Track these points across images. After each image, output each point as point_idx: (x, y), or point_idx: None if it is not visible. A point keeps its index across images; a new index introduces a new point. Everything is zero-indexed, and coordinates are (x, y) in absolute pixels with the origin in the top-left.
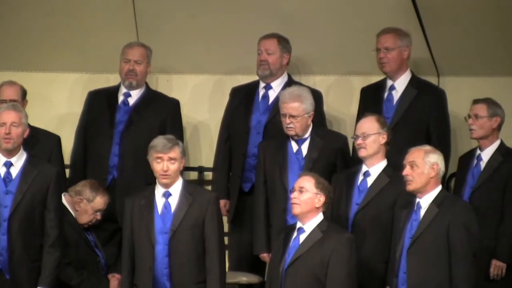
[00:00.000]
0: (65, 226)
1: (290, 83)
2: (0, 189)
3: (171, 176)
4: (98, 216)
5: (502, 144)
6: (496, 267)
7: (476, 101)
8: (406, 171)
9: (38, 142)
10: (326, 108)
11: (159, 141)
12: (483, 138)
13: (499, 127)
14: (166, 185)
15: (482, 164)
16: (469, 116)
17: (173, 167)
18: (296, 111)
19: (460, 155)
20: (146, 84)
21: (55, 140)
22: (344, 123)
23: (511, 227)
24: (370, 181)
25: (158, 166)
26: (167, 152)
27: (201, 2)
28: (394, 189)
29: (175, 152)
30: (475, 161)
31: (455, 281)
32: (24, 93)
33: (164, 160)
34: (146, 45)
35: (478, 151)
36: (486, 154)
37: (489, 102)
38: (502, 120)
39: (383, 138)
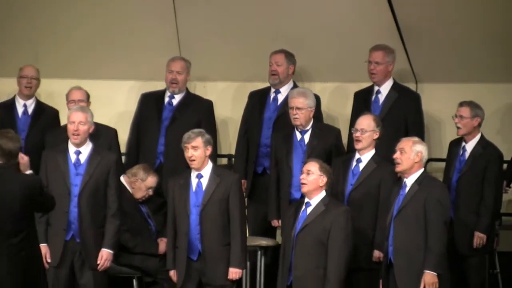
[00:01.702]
0: (123, 201)
1: (295, 87)
2: (71, 171)
3: (196, 161)
4: (150, 192)
5: (482, 138)
6: (478, 237)
7: (461, 104)
8: (396, 155)
9: (101, 135)
10: (323, 108)
11: (186, 134)
12: (467, 134)
13: (479, 125)
14: (198, 169)
15: (467, 154)
16: (456, 116)
17: (197, 153)
18: (302, 104)
19: (432, 144)
20: (187, 88)
21: (113, 133)
22: (337, 120)
23: (490, 205)
24: (361, 166)
25: (186, 154)
26: (190, 142)
27: (229, 26)
28: (380, 173)
29: (197, 142)
30: (461, 151)
31: (429, 243)
32: (88, 95)
33: (189, 149)
34: (186, 59)
35: (464, 143)
36: (470, 146)
37: (472, 105)
38: (482, 119)
39: (376, 134)
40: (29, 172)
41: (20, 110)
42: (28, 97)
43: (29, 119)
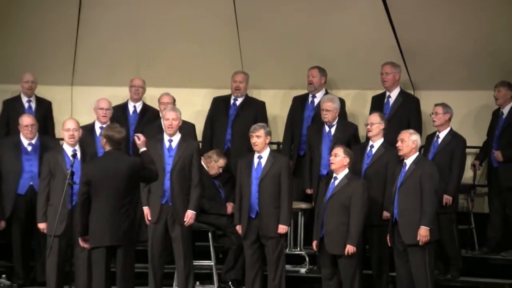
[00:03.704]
0: (202, 176)
1: (326, 94)
2: (165, 154)
3: (258, 146)
4: (221, 170)
5: (451, 130)
6: (446, 199)
7: (436, 104)
8: (398, 144)
9: (182, 128)
10: (347, 109)
11: (253, 126)
12: (439, 126)
13: (449, 119)
14: (259, 152)
15: (439, 140)
16: (432, 113)
17: (259, 140)
18: (329, 107)
19: (427, 136)
20: (246, 94)
21: (192, 127)
22: (358, 118)
23: (456, 176)
24: (373, 150)
25: (251, 140)
26: (255, 132)
27: (278, 47)
28: (387, 155)
29: (259, 132)
30: (435, 139)
31: (424, 206)
32: (174, 99)
33: (253, 137)
34: (246, 72)
35: (438, 133)
36: (442, 135)
37: (444, 105)
38: (451, 115)
39: (381, 125)
40: (143, 149)
41: (131, 110)
42: (136, 100)
43: (137, 116)
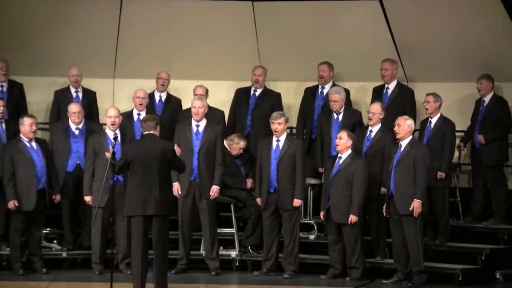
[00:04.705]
0: (225, 156)
1: (334, 86)
2: (193, 137)
3: (279, 132)
4: (241, 151)
5: (441, 115)
6: (440, 175)
7: (428, 94)
8: (396, 128)
9: (214, 114)
10: (351, 98)
11: (274, 114)
12: (432, 113)
13: (439, 107)
14: (277, 136)
15: (432, 125)
16: (425, 102)
17: (280, 127)
18: (336, 98)
19: (419, 121)
20: (264, 86)
21: (222, 113)
22: (360, 105)
23: (447, 156)
24: (372, 134)
25: (272, 126)
26: (277, 119)
27: (292, 45)
28: (384, 139)
29: (281, 119)
30: (428, 124)
31: (417, 183)
32: (207, 90)
33: (275, 123)
34: (264, 66)
35: (430, 119)
36: (434, 120)
37: (434, 94)
38: (441, 103)
39: (381, 115)
40: (178, 150)
41: (157, 99)
42: (162, 91)
43: (163, 105)
